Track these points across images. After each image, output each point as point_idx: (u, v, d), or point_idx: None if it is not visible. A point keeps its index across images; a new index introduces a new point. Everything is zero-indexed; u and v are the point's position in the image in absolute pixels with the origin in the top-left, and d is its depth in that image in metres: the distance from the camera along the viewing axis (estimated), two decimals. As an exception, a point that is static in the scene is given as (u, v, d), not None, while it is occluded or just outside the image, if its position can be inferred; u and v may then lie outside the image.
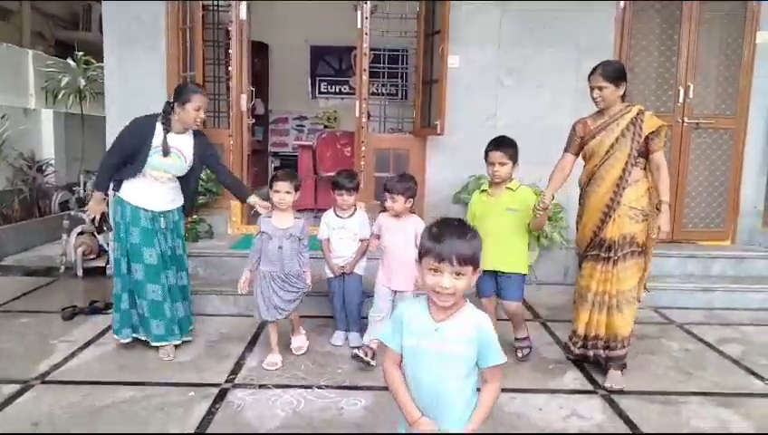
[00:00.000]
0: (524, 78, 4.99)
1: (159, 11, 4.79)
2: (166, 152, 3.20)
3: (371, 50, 4.95)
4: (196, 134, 3.41)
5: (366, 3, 4.83)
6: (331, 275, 3.57)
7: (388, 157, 5.15)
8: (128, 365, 3.20)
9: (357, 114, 5.04)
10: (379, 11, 5.11)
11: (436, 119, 4.71)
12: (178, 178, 3.38)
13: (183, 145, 3.31)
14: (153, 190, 3.28)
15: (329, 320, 3.82)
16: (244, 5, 4.86)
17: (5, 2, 7.59)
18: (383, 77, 5.50)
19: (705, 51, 5.02)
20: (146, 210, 3.26)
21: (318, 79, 8.60)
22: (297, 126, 8.72)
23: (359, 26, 4.88)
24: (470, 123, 4.89)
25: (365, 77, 4.92)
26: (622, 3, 4.92)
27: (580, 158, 3.24)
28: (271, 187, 3.17)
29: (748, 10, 4.96)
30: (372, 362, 3.16)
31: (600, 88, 3.01)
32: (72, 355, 3.30)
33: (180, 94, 3.24)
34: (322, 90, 8.66)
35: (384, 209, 3.39)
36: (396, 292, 3.35)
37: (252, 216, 5.32)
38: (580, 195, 3.24)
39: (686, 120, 5.03)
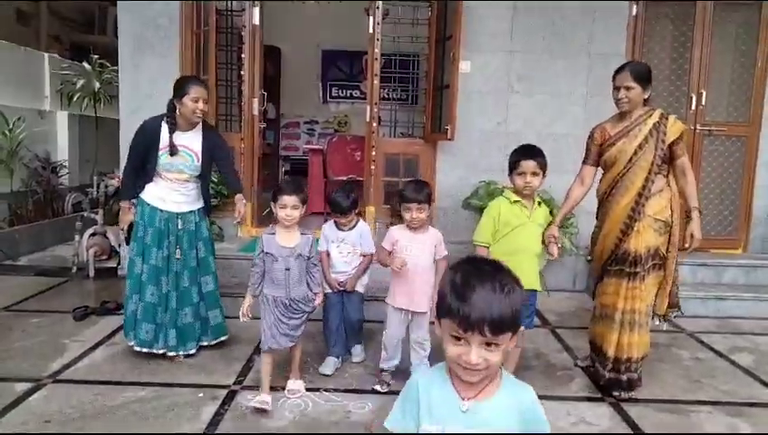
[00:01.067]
0: (535, 84, 4.99)
1: (174, 15, 4.85)
2: (173, 152, 3.18)
3: (383, 55, 4.97)
4: (207, 131, 3.34)
5: (378, 8, 4.85)
6: (329, 291, 3.23)
7: (398, 161, 5.17)
8: (138, 365, 3.23)
9: (367, 119, 5.07)
10: (391, 16, 5.14)
11: (447, 124, 4.72)
12: (198, 177, 3.34)
13: (191, 143, 3.25)
14: (170, 191, 3.25)
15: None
16: (257, 10, 4.91)
17: (24, 7, 7.72)
18: (394, 82, 5.52)
19: (717, 58, 5.00)
20: (162, 211, 3.24)
21: (329, 83, 8.64)
22: (308, 130, 8.76)
23: (370, 31, 4.92)
24: (480, 129, 4.90)
25: (376, 82, 4.94)
26: (635, 9, 4.92)
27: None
28: (275, 200, 2.78)
29: (762, 17, 4.93)
30: (391, 383, 3.02)
31: (628, 88, 2.86)
32: (84, 355, 3.34)
33: (177, 88, 3.20)
34: (333, 94, 8.70)
35: (391, 222, 3.28)
36: (413, 313, 2.98)
37: (262, 218, 5.36)
38: (600, 205, 3.08)
39: (698, 127, 5.00)
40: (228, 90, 5.46)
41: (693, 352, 3.75)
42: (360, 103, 8.07)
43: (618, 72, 2.93)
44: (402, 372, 3.02)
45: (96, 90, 6.95)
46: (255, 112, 5.05)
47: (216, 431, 2.57)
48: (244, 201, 3.43)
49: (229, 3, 5.32)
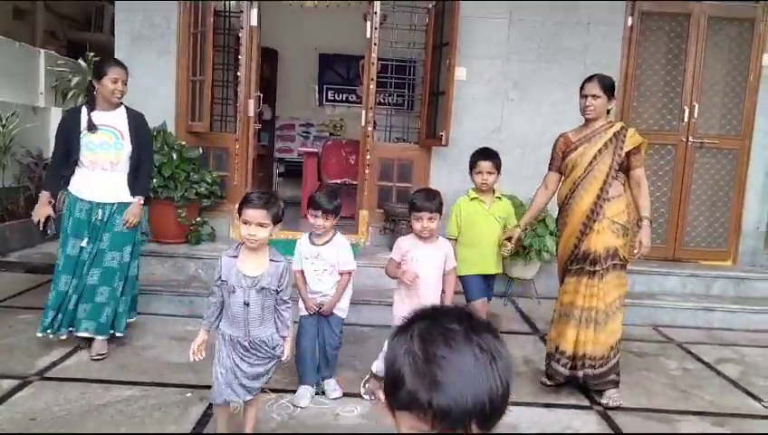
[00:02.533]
0: (530, 92, 5.03)
1: (172, 14, 4.85)
2: (91, 127, 3.14)
3: (379, 60, 4.99)
4: (134, 114, 3.31)
5: (376, 13, 4.88)
6: (305, 313, 2.94)
7: (392, 166, 5.18)
8: (126, 364, 3.21)
9: (363, 123, 5.08)
10: (389, 22, 5.16)
11: (442, 130, 4.74)
12: (131, 165, 3.26)
13: (114, 121, 3.21)
14: (91, 179, 3.19)
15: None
16: (255, 12, 4.92)
17: (21, 3, 7.69)
18: (390, 87, 5.54)
19: (711, 71, 5.06)
20: (82, 200, 3.20)
21: (325, 86, 8.66)
22: (303, 132, 8.77)
23: (368, 36, 4.94)
24: (475, 135, 4.92)
25: (372, 86, 4.96)
26: (630, 21, 4.97)
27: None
28: (239, 213, 2.26)
29: (755, 32, 5.00)
30: (373, 398, 2.93)
31: (595, 96, 3.00)
32: (71, 353, 3.31)
33: (97, 69, 3.21)
34: (329, 97, 8.71)
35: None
36: None
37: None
38: (561, 208, 3.20)
39: (690, 139, 5.05)
40: (224, 91, 5.46)
41: (681, 362, 3.77)
42: (355, 107, 8.08)
43: (586, 81, 3.07)
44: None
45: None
46: (251, 114, 5.05)
47: (204, 431, 2.56)
48: (140, 205, 3.32)
49: (227, 4, 5.33)
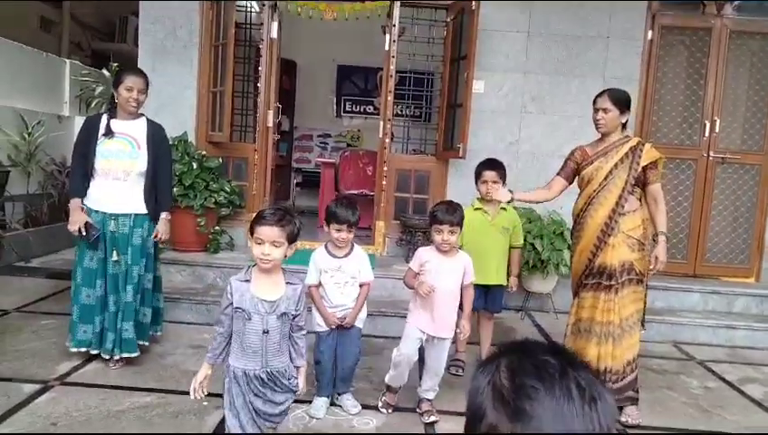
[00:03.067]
0: (548, 106, 5.02)
1: (194, 27, 4.94)
2: (108, 133, 3.14)
3: (397, 72, 5.02)
4: (154, 125, 3.31)
5: (395, 26, 4.92)
6: (322, 329, 2.86)
7: (409, 178, 5.19)
8: (144, 371, 3.24)
9: (380, 134, 5.11)
10: (407, 34, 5.20)
11: (459, 142, 4.74)
12: (146, 177, 3.23)
13: (133, 130, 3.20)
14: (106, 189, 3.16)
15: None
16: (275, 24, 4.99)
17: (48, 14, 7.89)
18: (408, 99, 5.57)
19: (732, 86, 5.01)
20: (96, 211, 3.16)
21: (343, 98, 8.73)
22: (321, 143, 8.83)
23: (386, 49, 4.97)
24: (492, 148, 4.91)
25: (390, 98, 4.99)
26: (650, 35, 4.95)
27: (574, 186, 3.23)
28: (252, 231, 2.09)
29: (778, 47, 4.94)
30: (390, 411, 2.95)
31: (606, 110, 2.99)
32: (91, 358, 3.34)
33: (115, 78, 3.24)
34: (347, 109, 8.78)
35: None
36: (435, 338, 2.86)
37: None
38: (575, 222, 3.19)
39: (711, 154, 4.99)
40: (244, 101, 5.53)
41: (702, 380, 3.71)
42: (372, 119, 8.13)
43: (598, 95, 3.07)
44: (409, 390, 2.99)
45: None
46: (270, 124, 5.11)
47: (220, 441, 2.57)
48: (168, 220, 3.32)
49: (248, 16, 5.42)
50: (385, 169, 5.09)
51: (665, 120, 5.04)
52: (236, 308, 2.07)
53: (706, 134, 4.99)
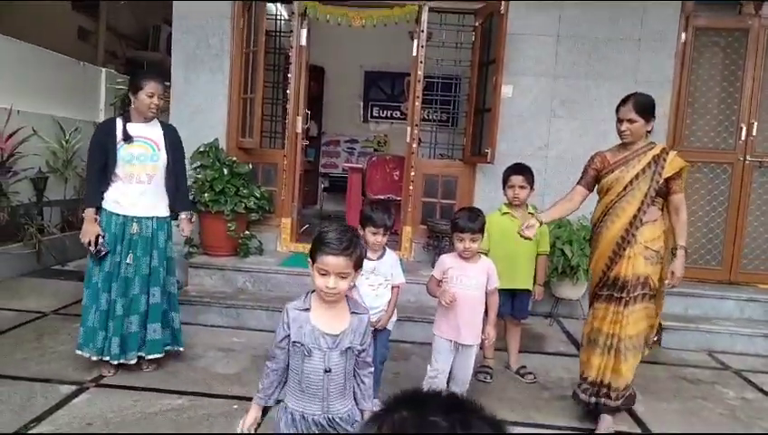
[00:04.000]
0: (578, 110, 4.95)
1: (225, 35, 5.03)
2: (127, 138, 3.10)
3: (425, 77, 5.03)
4: (168, 127, 3.33)
5: (422, 31, 4.92)
6: None
7: (436, 183, 5.18)
8: (176, 374, 3.30)
9: (408, 139, 5.11)
10: (435, 39, 5.20)
11: (487, 147, 4.72)
12: (168, 178, 3.24)
13: (150, 133, 3.19)
14: (127, 192, 3.14)
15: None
16: (305, 31, 5.05)
17: (85, 24, 8.13)
18: (435, 104, 5.56)
19: (770, 88, 4.86)
20: (117, 215, 3.13)
21: (370, 103, 8.77)
22: (348, 148, 8.89)
23: (414, 54, 4.98)
24: (521, 153, 4.88)
25: (417, 103, 4.99)
26: (684, 37, 4.85)
27: (594, 194, 3.08)
28: (312, 257, 1.78)
29: (818, 47, 4.79)
30: None
31: (631, 121, 2.85)
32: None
33: (132, 82, 3.17)
34: (374, 114, 8.81)
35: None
36: (461, 346, 2.86)
37: (301, 234, 5.45)
38: (593, 231, 3.06)
39: (748, 158, 4.86)
40: (273, 108, 5.61)
41: (739, 391, 3.60)
42: (399, 124, 8.15)
43: (621, 104, 2.91)
44: None
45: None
46: (299, 130, 5.16)
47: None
48: (192, 219, 3.35)
49: (278, 24, 5.49)
50: (412, 173, 5.09)
51: (699, 123, 4.92)
52: (294, 343, 1.78)
53: (743, 137, 4.85)
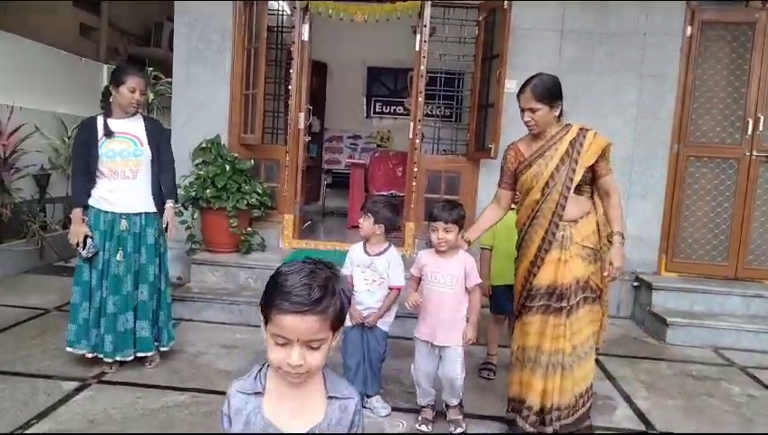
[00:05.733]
0: (582, 105, 4.90)
1: (227, 30, 5.00)
2: (108, 133, 3.06)
3: (428, 72, 4.99)
4: (150, 120, 3.30)
5: (425, 26, 4.89)
6: (349, 324, 2.80)
7: (439, 178, 5.16)
8: (178, 370, 3.29)
9: (410, 135, 5.09)
10: (438, 34, 5.16)
11: (491, 142, 4.69)
12: (152, 173, 3.21)
13: (132, 129, 3.15)
14: (114, 189, 3.11)
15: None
16: (307, 27, 5.02)
17: (87, 20, 8.11)
18: (438, 99, 5.53)
19: (777, 82, 4.81)
20: (105, 212, 3.11)
21: (373, 98, 8.74)
22: (351, 144, 8.86)
23: (417, 49, 4.95)
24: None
25: (420, 99, 4.96)
26: (689, 31, 4.80)
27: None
28: (267, 314, 1.15)
29: (826, 40, 4.73)
30: (434, 422, 2.81)
31: (533, 110, 2.58)
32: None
33: (114, 76, 3.12)
34: (377, 110, 8.78)
35: (429, 240, 2.81)
36: (438, 347, 2.71)
37: (304, 230, 5.43)
38: (519, 236, 2.73)
39: (754, 152, 4.81)
40: (276, 104, 5.58)
41: (744, 387, 3.57)
42: (402, 119, 8.12)
43: (519, 92, 2.63)
44: (437, 413, 2.88)
45: (150, 100, 7.20)
46: (301, 126, 5.14)
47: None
48: (174, 209, 3.31)
49: (280, 19, 5.47)
50: (415, 169, 5.07)
51: (705, 117, 4.87)
52: None
53: (749, 132, 4.81)
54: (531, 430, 2.60)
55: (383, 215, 2.85)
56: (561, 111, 2.66)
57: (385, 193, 6.26)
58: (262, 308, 1.16)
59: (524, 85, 2.61)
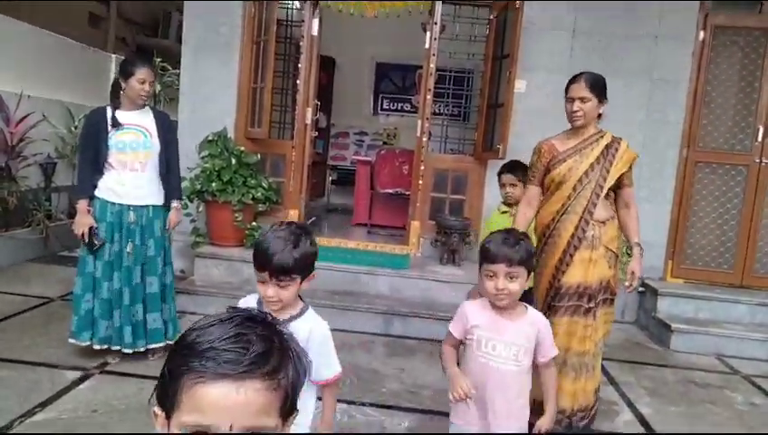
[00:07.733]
0: (592, 107, 4.88)
1: (236, 23, 4.99)
2: (116, 125, 3.05)
3: (437, 70, 4.97)
4: (159, 113, 3.29)
5: (436, 24, 4.86)
6: None
7: (446, 178, 5.14)
8: (181, 363, 3.28)
9: (418, 133, 5.06)
10: (448, 32, 5.14)
11: (499, 142, 4.66)
12: (161, 165, 3.20)
13: (142, 120, 3.15)
14: (122, 181, 3.09)
15: (376, 336, 3.79)
16: (316, 21, 5.00)
17: (95, 10, 8.11)
18: (447, 97, 5.51)
19: (789, 89, 4.77)
20: (113, 203, 3.09)
21: (381, 95, 8.71)
22: (357, 141, 8.84)
23: (426, 46, 4.92)
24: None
25: (429, 97, 4.94)
26: (702, 35, 4.76)
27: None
28: (174, 389, 0.78)
29: (840, 48, 4.69)
30: None
31: (583, 99, 2.59)
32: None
33: (124, 68, 3.11)
34: (384, 106, 8.76)
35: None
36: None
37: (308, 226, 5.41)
38: (545, 234, 2.70)
39: (764, 160, 4.78)
40: (283, 98, 5.57)
41: (747, 396, 3.55)
42: (410, 117, 8.09)
43: (571, 81, 2.66)
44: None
45: (157, 91, 7.20)
46: (308, 121, 5.12)
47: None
48: (180, 209, 3.31)
49: (290, 13, 5.45)
50: (422, 168, 5.04)
51: (715, 123, 4.84)
52: None
53: (759, 139, 4.78)
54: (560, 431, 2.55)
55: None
56: (603, 113, 2.73)
57: (390, 191, 6.24)
58: (159, 393, 0.79)
59: (577, 76, 2.67)
